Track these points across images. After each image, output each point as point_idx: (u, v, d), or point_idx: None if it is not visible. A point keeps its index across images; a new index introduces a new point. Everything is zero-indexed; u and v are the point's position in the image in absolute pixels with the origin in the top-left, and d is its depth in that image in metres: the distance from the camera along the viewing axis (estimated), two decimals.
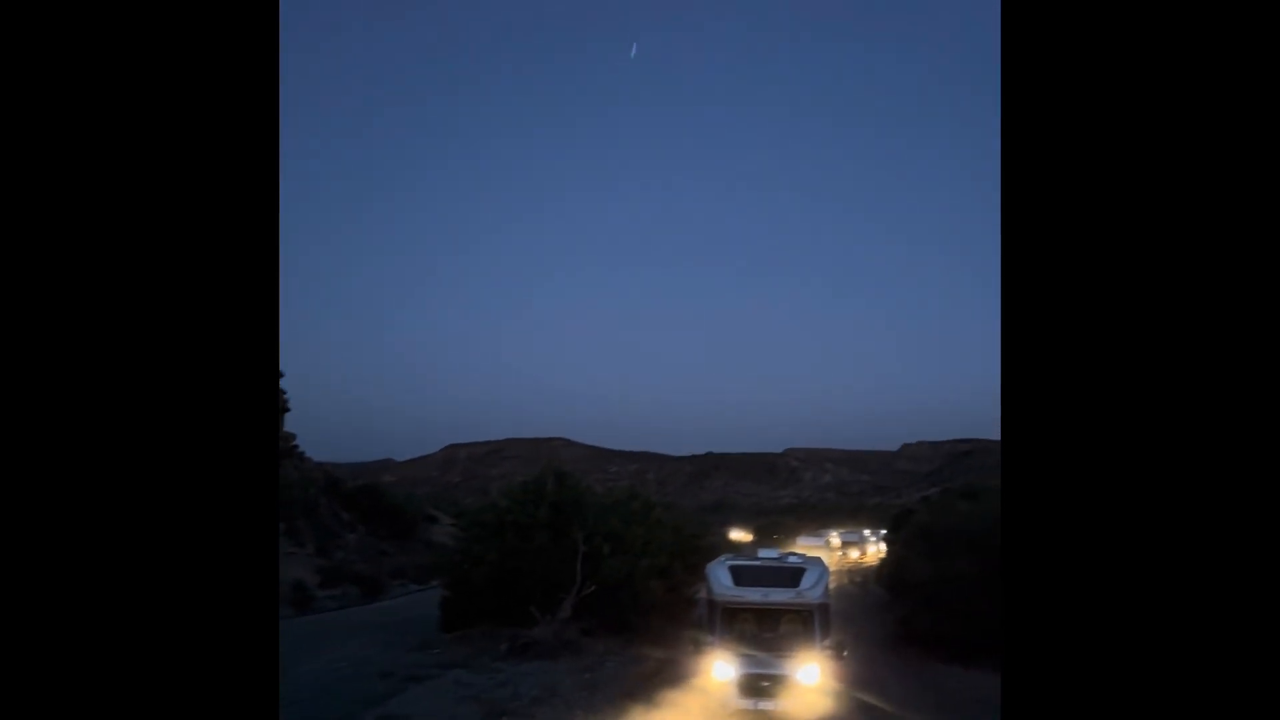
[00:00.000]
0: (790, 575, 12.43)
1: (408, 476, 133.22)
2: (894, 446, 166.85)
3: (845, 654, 12.37)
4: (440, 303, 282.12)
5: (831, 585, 12.42)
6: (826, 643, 12.00)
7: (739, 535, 47.14)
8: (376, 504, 40.68)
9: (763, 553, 13.96)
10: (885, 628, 18.57)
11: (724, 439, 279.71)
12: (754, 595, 12.26)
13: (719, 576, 12.63)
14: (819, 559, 13.96)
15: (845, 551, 41.50)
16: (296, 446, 38.33)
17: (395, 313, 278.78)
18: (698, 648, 12.44)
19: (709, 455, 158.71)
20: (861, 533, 45.86)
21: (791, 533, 51.34)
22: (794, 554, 14.00)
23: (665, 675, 13.71)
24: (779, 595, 12.21)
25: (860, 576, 29.74)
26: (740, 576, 12.53)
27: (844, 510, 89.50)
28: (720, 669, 11.78)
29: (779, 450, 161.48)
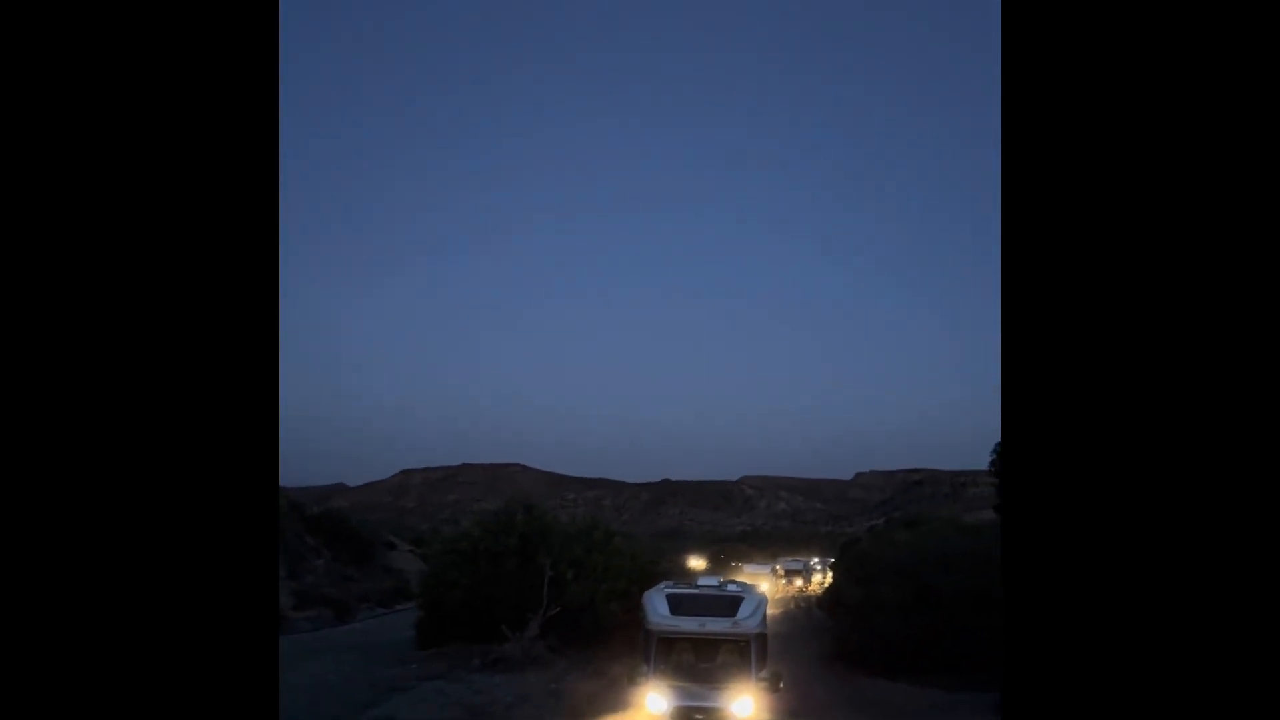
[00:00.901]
0: (728, 604, 12.49)
1: (361, 501, 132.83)
2: (848, 475, 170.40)
3: (782, 686, 12.35)
4: (394, 325, 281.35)
5: (776, 612, 13.87)
6: (763, 674, 11.99)
7: (698, 563, 48.61)
8: (339, 530, 41.91)
9: (702, 580, 14.16)
10: (823, 647, 20.72)
11: (680, 467, 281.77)
12: (690, 624, 12.26)
13: (655, 605, 12.64)
14: (757, 587, 14.38)
15: (790, 580, 42.72)
16: None
17: (347, 335, 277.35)
18: (632, 678, 12.30)
19: (665, 482, 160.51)
20: (807, 561, 47.25)
21: (744, 559, 53.00)
22: (733, 582, 14.35)
23: (615, 693, 14.64)
24: (715, 624, 12.20)
25: (805, 602, 31.98)
26: (677, 605, 12.56)
27: (797, 538, 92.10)
28: (653, 701, 11.74)
29: (734, 478, 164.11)
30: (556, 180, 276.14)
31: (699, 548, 70.00)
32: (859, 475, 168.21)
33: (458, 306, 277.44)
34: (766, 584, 39.27)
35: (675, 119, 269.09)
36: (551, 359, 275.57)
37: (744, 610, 12.24)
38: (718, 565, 45.45)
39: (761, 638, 12.34)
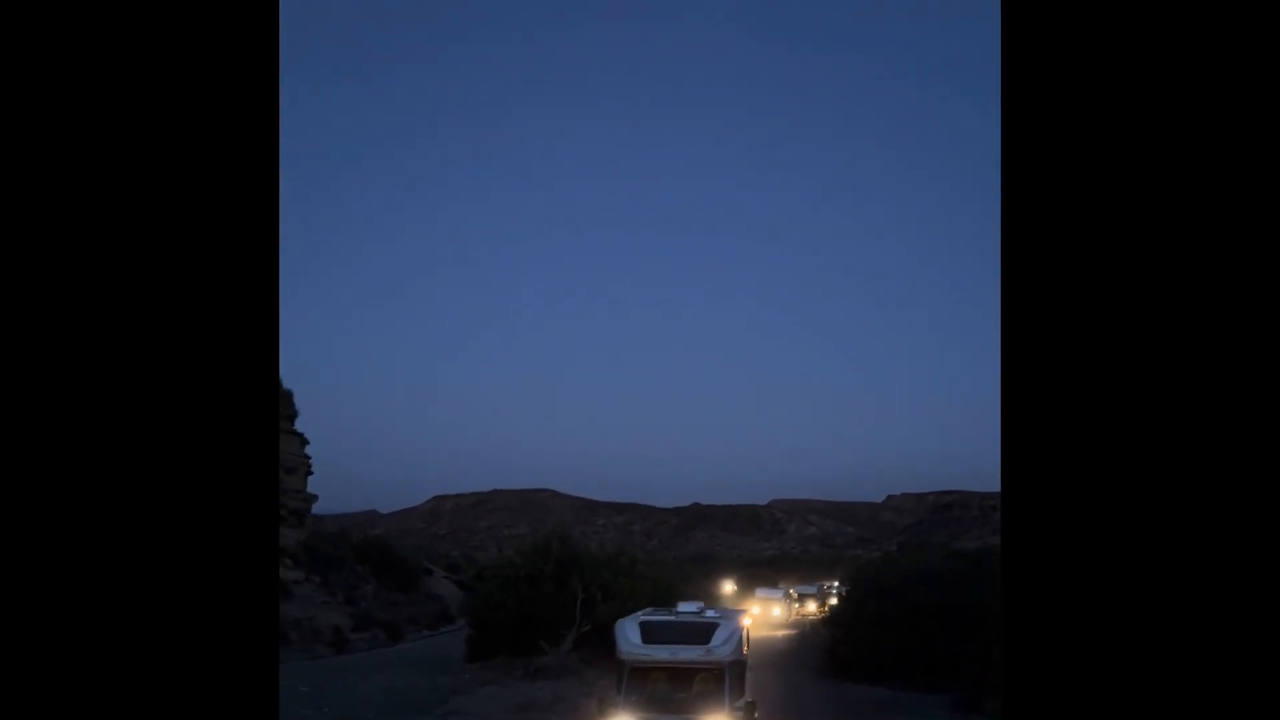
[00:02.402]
0: (702, 631, 12.35)
1: (394, 528, 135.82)
2: (879, 498, 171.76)
3: (757, 716, 12.21)
4: (426, 354, 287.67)
5: (790, 633, 14.99)
6: (738, 703, 11.83)
7: (728, 587, 49.91)
8: (385, 557, 45.72)
9: (682, 606, 13.98)
10: (817, 660, 24.03)
11: (710, 491, 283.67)
12: (661, 653, 12.12)
13: (626, 634, 12.50)
14: (738, 613, 14.50)
15: (803, 603, 44.05)
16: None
17: (379, 363, 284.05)
18: (601, 709, 12.14)
19: (694, 507, 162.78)
20: (821, 585, 48.87)
21: (768, 584, 55.32)
22: (714, 608, 14.34)
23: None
24: (687, 653, 12.08)
25: (815, 624, 35.18)
26: (649, 633, 12.42)
27: (824, 562, 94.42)
28: None
29: (764, 502, 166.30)
30: (589, 199, 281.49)
31: (726, 572, 72.69)
32: (890, 498, 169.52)
33: (487, 332, 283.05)
34: (779, 608, 41.65)
35: (699, 130, 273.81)
36: (580, 384, 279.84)
37: (718, 637, 12.17)
38: (734, 589, 47.67)
39: (737, 665, 12.28)
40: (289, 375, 42.91)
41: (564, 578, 23.07)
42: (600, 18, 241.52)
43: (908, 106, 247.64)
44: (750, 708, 11.94)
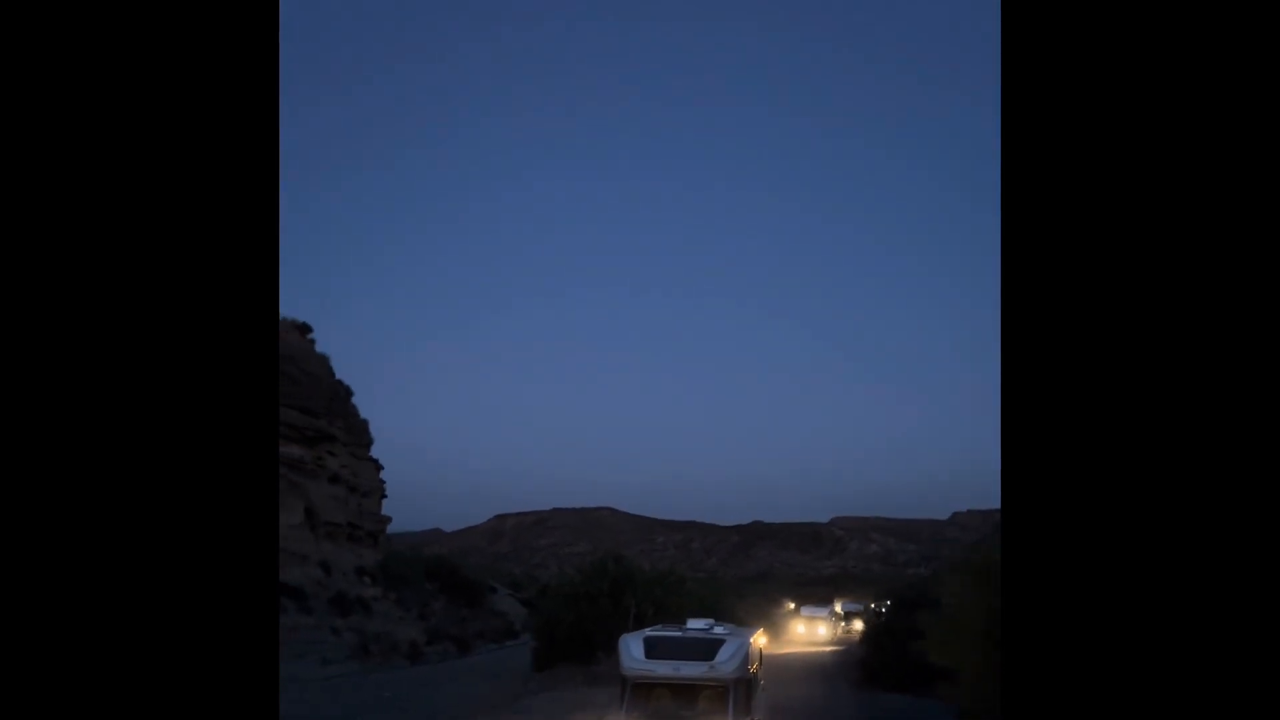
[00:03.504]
0: (706, 648, 12.22)
1: (457, 547, 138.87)
2: (944, 515, 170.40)
3: None
4: (486, 374, 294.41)
5: (836, 649, 15.69)
6: None
7: (790, 605, 50.18)
8: (452, 576, 48.90)
9: (691, 623, 13.87)
10: (851, 673, 26.27)
11: (771, 508, 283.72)
12: (664, 669, 12.02)
13: (630, 649, 12.44)
14: (750, 631, 14.47)
15: (849, 622, 44.57)
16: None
17: (440, 386, 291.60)
18: None
19: (755, 525, 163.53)
20: (867, 603, 49.69)
21: (823, 602, 56.71)
22: (724, 625, 14.18)
23: None
24: (690, 669, 11.96)
25: (857, 640, 37.19)
26: (653, 649, 12.37)
27: (884, 581, 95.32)
28: None
29: (825, 519, 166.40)
30: (640, 225, 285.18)
31: (784, 590, 74.08)
32: (955, 515, 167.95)
33: (548, 353, 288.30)
34: (824, 626, 42.99)
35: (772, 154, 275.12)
36: (640, 402, 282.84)
37: (723, 654, 12.05)
38: (793, 607, 48.86)
39: (743, 684, 12.13)
40: (364, 405, 46.34)
41: (619, 594, 25.71)
42: (606, 17, 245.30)
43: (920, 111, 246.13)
44: None
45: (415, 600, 39.25)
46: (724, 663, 11.94)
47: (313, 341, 41.31)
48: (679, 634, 13.09)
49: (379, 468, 43.59)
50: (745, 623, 20.98)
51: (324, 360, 40.87)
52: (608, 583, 25.93)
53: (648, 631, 13.47)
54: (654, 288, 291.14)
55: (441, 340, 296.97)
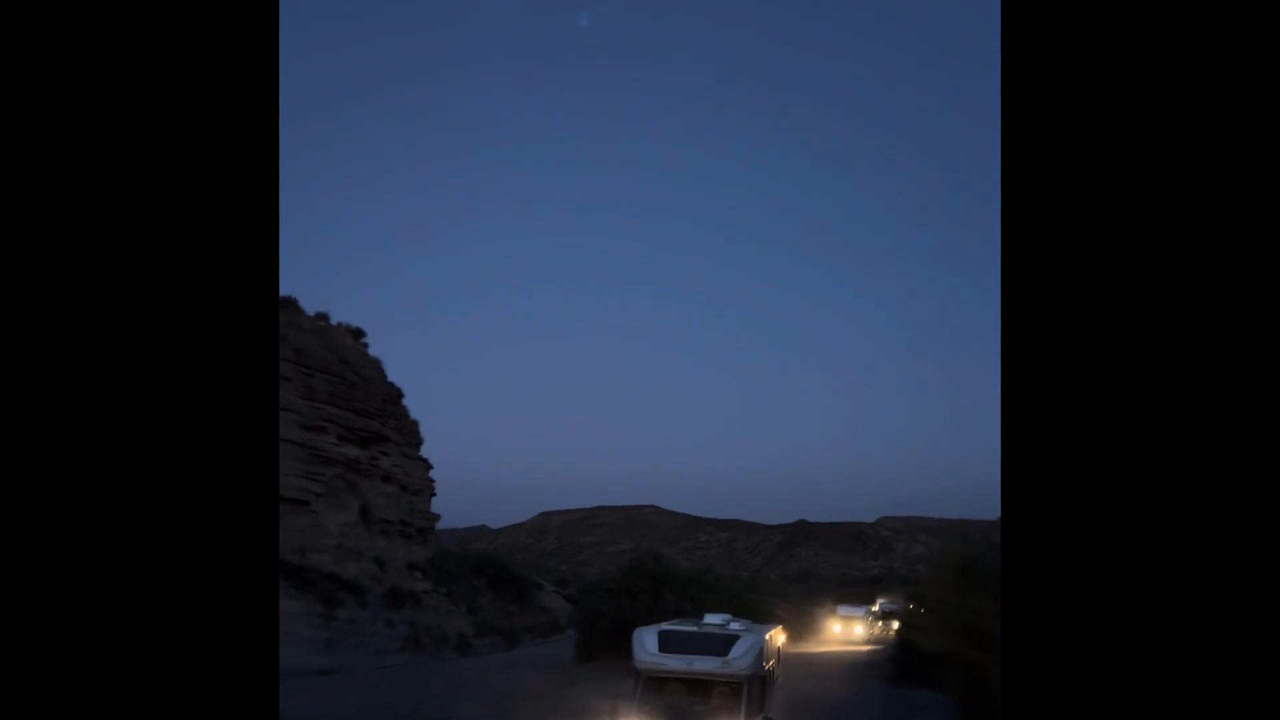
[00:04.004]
0: (720, 643, 12.27)
1: (503, 544, 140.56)
2: (994, 515, 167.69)
3: None
4: (531, 373, 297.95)
5: (875, 647, 16.47)
6: (757, 718, 11.79)
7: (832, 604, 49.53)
8: (500, 572, 50.75)
9: (708, 618, 13.99)
10: (888, 669, 27.37)
11: (816, 508, 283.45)
12: (677, 664, 12.11)
13: (644, 642, 12.53)
14: (767, 628, 14.46)
15: (887, 621, 43.98)
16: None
17: (486, 384, 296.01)
18: (613, 715, 12.31)
19: (799, 524, 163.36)
20: (909, 603, 50.44)
21: (865, 603, 56.81)
22: (741, 621, 14.24)
23: None
24: (703, 664, 12.01)
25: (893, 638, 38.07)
26: (667, 643, 12.44)
27: (928, 582, 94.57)
28: None
29: (871, 519, 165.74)
30: (686, 225, 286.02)
31: (827, 590, 74.38)
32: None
33: (593, 353, 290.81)
34: (860, 625, 43.19)
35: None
36: (686, 400, 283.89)
37: (737, 650, 12.10)
38: (819, 608, 48.61)
39: (757, 680, 12.19)
40: (415, 406, 48.30)
41: (658, 591, 27.10)
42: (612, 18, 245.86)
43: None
44: None
45: (464, 595, 41.07)
46: (738, 659, 12.01)
47: (366, 345, 43.32)
48: (694, 629, 13.18)
49: (429, 466, 45.45)
50: (781, 622, 21.65)
51: (377, 364, 42.86)
52: (647, 579, 27.36)
53: (663, 625, 13.56)
54: (700, 285, 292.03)
55: (489, 342, 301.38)
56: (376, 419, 39.41)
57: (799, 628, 33.92)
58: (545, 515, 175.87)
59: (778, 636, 14.84)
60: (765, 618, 28.65)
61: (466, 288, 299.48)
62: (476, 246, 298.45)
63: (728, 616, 14.23)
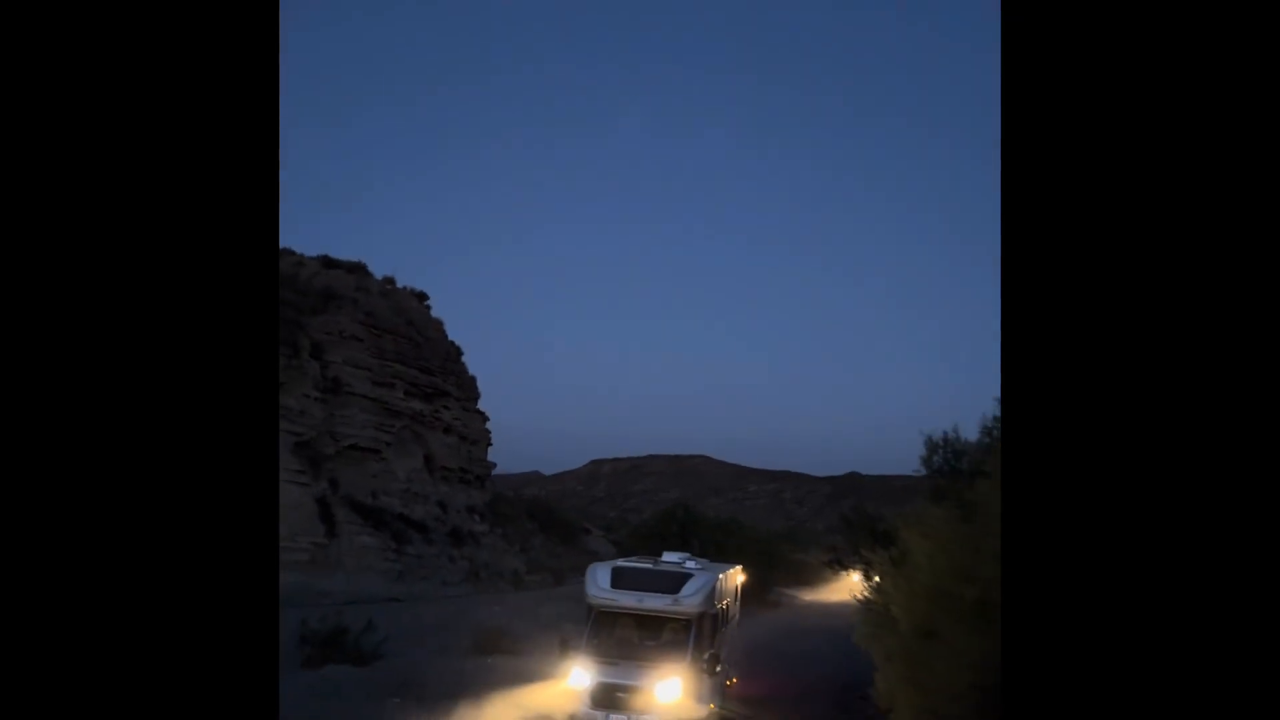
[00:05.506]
0: (672, 581, 12.50)
1: (554, 490, 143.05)
2: None
3: (720, 669, 12.34)
4: (587, 323, 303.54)
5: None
6: (704, 656, 11.98)
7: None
8: (549, 516, 55.39)
9: (666, 555, 14.26)
10: None
11: (869, 460, 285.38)
12: (628, 600, 12.34)
13: (596, 578, 12.82)
14: (725, 567, 14.71)
15: None
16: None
17: (546, 335, 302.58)
18: (564, 650, 12.59)
19: (850, 476, 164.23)
20: None
21: None
22: (697, 560, 14.33)
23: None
24: (654, 601, 12.23)
25: None
26: (619, 579, 12.67)
27: None
28: (576, 676, 12.00)
29: (924, 472, 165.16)
30: (755, 185, 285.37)
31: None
32: None
33: (654, 300, 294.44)
34: None
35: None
36: (738, 351, 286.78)
37: (689, 588, 12.35)
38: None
39: (708, 618, 12.41)
40: (473, 363, 52.88)
41: (687, 537, 31.33)
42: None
43: None
44: (714, 660, 12.30)
45: (517, 536, 45.74)
46: (688, 596, 12.41)
47: (429, 308, 47.67)
48: (650, 566, 13.67)
49: (485, 419, 49.95)
50: (806, 570, 23.63)
51: (439, 324, 47.23)
52: (676, 525, 31.67)
53: (618, 562, 14.17)
54: (762, 238, 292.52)
55: (545, 295, 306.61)
56: (439, 375, 43.77)
57: (741, 567, 35.76)
58: (596, 463, 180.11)
59: (735, 577, 15.54)
60: (783, 566, 32.48)
61: (516, 236, 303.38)
62: (530, 201, 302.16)
63: (685, 555, 14.81)
